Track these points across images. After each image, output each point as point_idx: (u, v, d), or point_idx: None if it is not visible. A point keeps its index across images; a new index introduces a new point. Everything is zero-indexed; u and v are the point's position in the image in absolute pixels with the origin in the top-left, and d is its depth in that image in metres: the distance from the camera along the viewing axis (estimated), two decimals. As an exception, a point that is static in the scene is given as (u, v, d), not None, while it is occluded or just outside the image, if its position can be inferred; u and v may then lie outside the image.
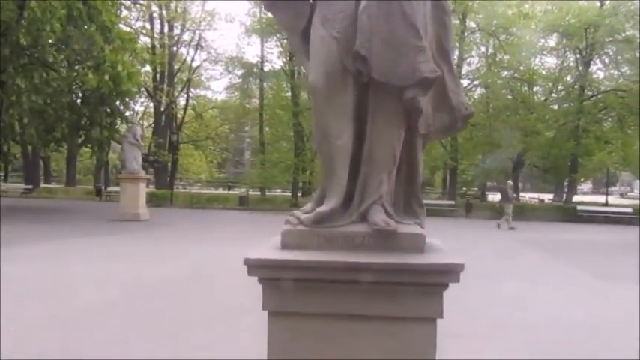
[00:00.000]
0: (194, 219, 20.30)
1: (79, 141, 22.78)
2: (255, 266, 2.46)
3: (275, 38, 31.29)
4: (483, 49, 30.29)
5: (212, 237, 14.47)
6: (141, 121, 27.47)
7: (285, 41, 30.01)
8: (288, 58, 29.53)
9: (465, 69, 29.84)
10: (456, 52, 29.44)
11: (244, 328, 5.35)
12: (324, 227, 2.74)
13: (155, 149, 29.77)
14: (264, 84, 32.67)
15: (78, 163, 43.19)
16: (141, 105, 34.95)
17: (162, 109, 31.13)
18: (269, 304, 2.50)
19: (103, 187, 33.54)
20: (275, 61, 32.60)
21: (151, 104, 34.12)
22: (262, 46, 31.72)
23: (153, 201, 23.88)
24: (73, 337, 5.05)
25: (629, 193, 67.68)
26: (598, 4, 28.21)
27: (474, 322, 5.84)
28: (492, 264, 10.18)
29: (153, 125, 33.37)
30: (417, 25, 2.84)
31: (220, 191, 44.31)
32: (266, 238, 2.98)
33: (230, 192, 41.02)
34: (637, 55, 26.18)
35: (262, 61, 31.82)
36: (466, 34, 28.30)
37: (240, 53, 31.96)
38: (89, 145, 23.14)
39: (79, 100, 22.27)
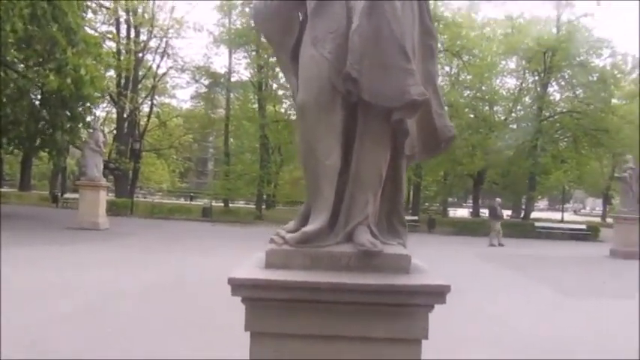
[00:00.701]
0: (155, 229, 19.84)
1: (37, 144, 21.97)
2: (239, 286, 2.41)
3: (243, 49, 31.20)
4: (447, 68, 31.04)
5: (174, 248, 14.16)
6: (102, 127, 26.72)
7: (253, 53, 29.98)
8: (256, 70, 29.45)
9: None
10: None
11: (209, 339, 5.24)
12: (309, 247, 2.72)
13: (116, 156, 29.01)
14: (231, 95, 32.47)
15: (33, 168, 41.61)
16: (103, 110, 34.12)
17: (125, 115, 30.43)
18: (252, 325, 2.45)
19: (59, 194, 32.37)
20: (242, 72, 32.50)
21: (114, 110, 33.32)
22: (230, 56, 31.56)
23: (112, 209, 23.19)
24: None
25: (582, 210, 70.59)
26: (555, 30, 29.43)
27: (438, 336, 5.89)
28: (456, 279, 10.32)
29: (115, 132, 32.53)
30: (406, 47, 2.87)
31: (182, 201, 43.51)
32: (248, 256, 2.94)
33: (193, 202, 40.35)
34: (590, 78, 27.54)
35: (230, 72, 31.67)
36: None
37: (207, 63, 31.67)
38: (47, 150, 22.34)
39: (37, 103, 21.53)
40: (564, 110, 29.15)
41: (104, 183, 19.06)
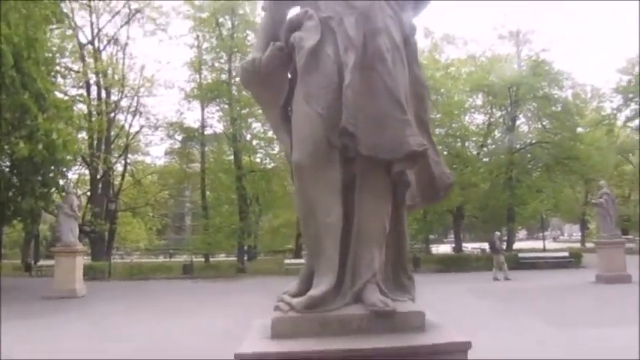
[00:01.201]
0: (136, 292, 19.18)
1: (8, 213, 21.31)
2: (248, 362, 2.25)
3: (215, 103, 31.46)
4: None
5: (156, 310, 13.64)
6: (75, 190, 26.20)
7: (226, 106, 30.21)
8: (229, 122, 29.59)
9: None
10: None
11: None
12: (317, 312, 2.58)
13: (91, 219, 28.32)
14: (206, 148, 32.41)
15: (4, 236, 40.26)
16: (75, 173, 33.53)
17: (98, 176, 29.95)
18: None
19: (32, 262, 31.25)
20: (216, 125, 32.60)
21: (87, 172, 32.82)
22: (203, 110, 31.70)
23: (89, 274, 22.42)
24: None
25: (560, 237, 71.64)
26: (517, 66, 30.62)
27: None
28: (448, 315, 10.13)
29: (89, 194, 31.90)
30: (400, 98, 2.87)
31: (162, 259, 42.46)
32: (252, 325, 2.77)
33: (172, 259, 39.44)
34: (555, 109, 28.56)
35: (203, 126, 31.68)
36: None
37: (180, 118, 31.68)
38: (19, 218, 21.67)
39: (7, 170, 21.03)
40: (534, 141, 29.98)
41: (80, 248, 18.50)
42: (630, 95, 34.98)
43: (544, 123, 29.53)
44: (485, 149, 33.02)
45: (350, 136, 2.76)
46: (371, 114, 2.78)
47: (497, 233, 22.99)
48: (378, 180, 2.89)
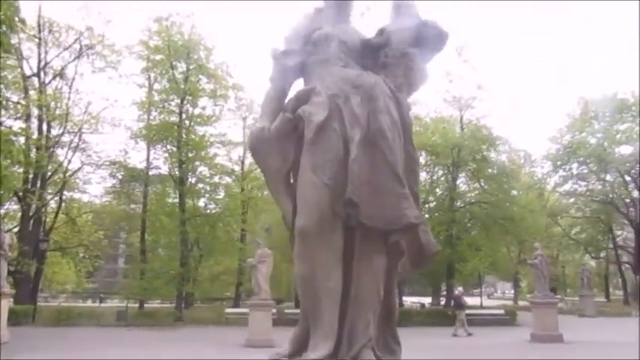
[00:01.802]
0: (64, 340, 17.93)
1: None
2: None
3: (162, 144, 31.02)
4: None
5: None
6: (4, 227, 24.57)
7: (173, 148, 29.82)
8: (177, 165, 29.15)
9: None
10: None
11: None
12: (316, 375, 2.63)
13: (18, 258, 26.51)
14: (149, 189, 31.60)
15: None
16: (3, 208, 31.51)
17: (31, 213, 28.32)
18: None
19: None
20: (161, 166, 31.98)
21: (15, 207, 30.99)
22: (149, 151, 31.11)
23: (12, 318, 20.74)
24: None
25: (494, 294, 74.19)
26: (458, 128, 32.39)
27: None
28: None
29: (18, 231, 29.99)
30: (399, 173, 3.12)
31: (90, 303, 40.14)
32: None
33: (103, 305, 37.34)
34: (492, 171, 30.30)
35: (148, 167, 31.00)
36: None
37: (124, 158, 30.87)
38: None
39: None
40: (473, 201, 31.42)
41: (7, 290, 17.25)
42: (559, 163, 37.78)
43: (482, 184, 31.13)
44: (427, 206, 34.17)
45: (354, 206, 2.96)
46: (373, 186, 3.00)
47: (460, 289, 23.65)
48: (376, 248, 3.08)
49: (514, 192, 32.60)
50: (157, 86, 31.27)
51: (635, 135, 34.53)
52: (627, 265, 41.51)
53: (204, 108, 31.86)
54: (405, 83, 3.51)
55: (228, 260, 34.11)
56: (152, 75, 30.86)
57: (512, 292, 49.80)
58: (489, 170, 29.99)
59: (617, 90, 35.71)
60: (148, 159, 31.09)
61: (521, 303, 41.14)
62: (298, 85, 3.79)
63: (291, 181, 3.42)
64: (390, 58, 3.53)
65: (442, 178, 33.76)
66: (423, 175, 35.92)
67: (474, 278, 37.18)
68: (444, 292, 34.85)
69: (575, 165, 37.71)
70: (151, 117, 30.76)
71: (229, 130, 33.87)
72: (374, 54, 3.58)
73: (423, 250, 3.27)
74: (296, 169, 3.30)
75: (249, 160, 36.89)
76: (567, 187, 39.47)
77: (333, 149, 3.11)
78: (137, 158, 31.75)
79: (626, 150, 36.32)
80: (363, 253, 3.07)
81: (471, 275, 33.46)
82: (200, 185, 31.88)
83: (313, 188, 3.02)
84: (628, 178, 37.35)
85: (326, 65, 3.52)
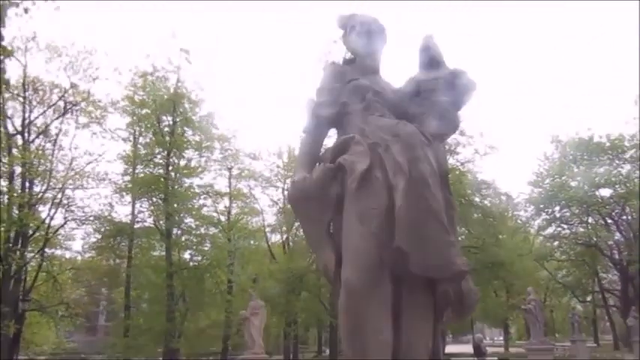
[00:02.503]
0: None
1: None
2: None
3: (147, 197, 30.77)
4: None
5: None
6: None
7: (161, 201, 29.55)
8: (163, 217, 28.81)
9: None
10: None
11: None
12: None
13: (-3, 320, 25.41)
14: (134, 243, 31.04)
15: None
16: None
17: (12, 273, 27.40)
18: None
19: None
20: (147, 219, 31.58)
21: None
22: (134, 205, 30.78)
23: (-11, 385, 19.70)
24: None
25: (483, 340, 72.87)
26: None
27: None
28: None
29: (-5, 291, 28.87)
30: (444, 220, 3.14)
31: (70, 364, 38.34)
32: None
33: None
34: (477, 216, 30.59)
35: (134, 220, 30.57)
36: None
37: (109, 212, 30.43)
38: None
39: None
40: (462, 246, 31.53)
41: (-12, 354, 16.43)
42: (541, 206, 38.36)
43: (470, 229, 31.33)
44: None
45: (403, 255, 2.96)
46: (419, 235, 3.01)
47: (479, 336, 23.16)
48: (424, 299, 3.08)
49: (501, 236, 32.85)
50: (142, 140, 31.36)
51: (614, 178, 35.51)
52: (614, 309, 41.57)
53: (190, 160, 31.98)
54: (438, 131, 3.59)
55: (215, 313, 33.25)
56: (137, 129, 30.99)
57: (502, 338, 49.22)
58: (475, 215, 30.28)
59: (593, 133, 36.85)
60: (133, 212, 30.73)
61: (512, 350, 40.61)
62: (332, 136, 3.87)
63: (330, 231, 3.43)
64: (423, 108, 3.63)
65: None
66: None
67: (466, 326, 36.76)
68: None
69: (557, 208, 38.30)
70: (137, 170, 30.63)
71: (215, 181, 33.62)
72: (406, 104, 3.69)
73: (465, 298, 3.28)
74: (337, 219, 3.31)
75: (235, 210, 36.77)
76: (551, 230, 39.92)
77: (378, 198, 3.13)
78: (122, 212, 31.38)
79: (605, 192, 37.18)
80: (410, 305, 3.05)
81: (462, 322, 33.12)
82: (186, 237, 31.47)
83: (361, 238, 3.01)
84: (610, 221, 38.02)
85: (363, 115, 3.61)
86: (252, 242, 37.19)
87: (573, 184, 37.22)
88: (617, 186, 35.92)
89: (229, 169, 35.73)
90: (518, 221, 39.51)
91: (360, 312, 2.93)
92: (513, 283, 31.24)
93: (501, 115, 72.49)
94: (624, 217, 37.83)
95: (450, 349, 36.90)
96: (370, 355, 2.86)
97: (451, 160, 32.73)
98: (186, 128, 31.36)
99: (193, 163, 32.31)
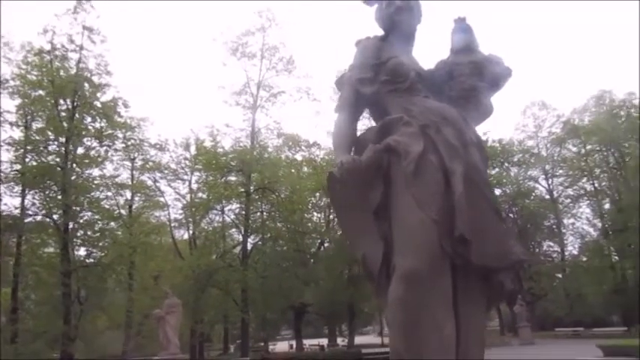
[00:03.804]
0: None
1: None
2: None
3: (39, 188, 27.98)
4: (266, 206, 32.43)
5: None
6: None
7: (55, 193, 27.00)
8: (61, 211, 26.36)
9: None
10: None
11: None
12: None
13: None
14: (23, 238, 28.03)
15: None
16: None
17: None
18: None
19: None
20: (39, 213, 28.61)
21: None
22: (24, 196, 27.80)
23: None
24: None
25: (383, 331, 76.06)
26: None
27: None
28: None
29: None
30: (497, 208, 3.04)
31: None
32: None
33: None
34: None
35: (23, 214, 27.59)
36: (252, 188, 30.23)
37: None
38: None
39: None
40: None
41: None
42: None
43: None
44: (325, 246, 34.65)
45: (465, 244, 2.82)
46: (478, 223, 2.89)
47: None
48: (478, 290, 2.97)
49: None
50: (35, 125, 28.39)
51: (504, 179, 38.78)
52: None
53: (89, 149, 29.57)
54: (475, 118, 3.49)
55: (114, 312, 31.17)
56: (30, 112, 28.00)
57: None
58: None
59: (488, 137, 39.80)
60: (23, 205, 27.73)
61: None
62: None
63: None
64: (459, 92, 3.47)
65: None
66: (319, 217, 36.53)
67: (375, 319, 38.01)
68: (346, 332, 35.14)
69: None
70: (28, 158, 27.69)
71: (116, 172, 31.44)
72: (439, 87, 3.54)
73: (503, 289, 3.21)
74: (385, 205, 3.06)
75: (138, 203, 34.79)
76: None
77: (435, 183, 2.93)
78: (11, 204, 28.12)
79: (497, 192, 40.37)
80: (466, 298, 2.92)
81: (372, 315, 34.29)
82: (83, 232, 29.09)
83: (422, 225, 2.79)
84: (499, 217, 41.35)
85: (408, 95, 3.38)
86: (155, 238, 35.38)
87: (469, 183, 39.83)
88: (507, 187, 39.16)
89: (132, 160, 33.62)
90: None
91: (420, 305, 2.72)
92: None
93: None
94: (511, 215, 41.36)
95: (358, 340, 38.00)
96: (431, 352, 2.69)
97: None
98: (86, 114, 28.87)
99: (93, 153, 29.87)
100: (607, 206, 38.28)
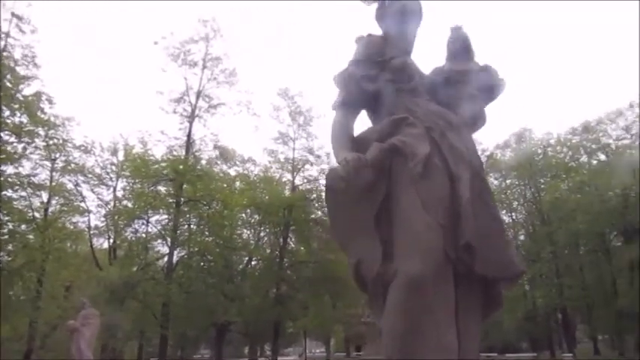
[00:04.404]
0: None
1: None
2: None
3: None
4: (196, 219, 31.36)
5: None
6: None
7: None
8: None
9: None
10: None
11: None
12: None
13: None
14: None
15: None
16: None
17: None
18: None
19: None
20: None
21: None
22: None
23: None
24: None
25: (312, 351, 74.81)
26: (288, 190, 33.51)
27: None
28: None
29: None
30: (499, 216, 3.00)
31: None
32: None
33: None
34: (321, 231, 31.70)
35: None
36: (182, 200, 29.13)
37: None
38: None
39: None
40: (303, 260, 32.22)
41: None
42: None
43: (313, 245, 32.25)
44: (254, 263, 33.92)
45: (470, 251, 2.77)
46: (483, 231, 2.85)
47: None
48: (476, 299, 2.92)
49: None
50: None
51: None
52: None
53: (5, 143, 27.35)
54: (469, 126, 3.47)
55: (17, 321, 28.65)
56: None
57: (324, 350, 51.29)
58: (320, 230, 31.31)
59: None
60: None
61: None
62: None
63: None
64: (456, 100, 3.44)
65: (273, 236, 34.07)
66: (249, 234, 35.82)
67: (300, 338, 37.49)
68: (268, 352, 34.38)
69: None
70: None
71: (34, 172, 29.25)
72: (435, 93, 3.49)
73: (500, 298, 3.18)
74: (387, 207, 2.91)
75: (54, 207, 32.62)
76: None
77: (440, 187, 2.86)
78: None
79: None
80: (465, 306, 2.85)
81: (298, 334, 33.81)
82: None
83: (428, 229, 2.68)
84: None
85: (411, 96, 3.30)
86: (71, 245, 33.17)
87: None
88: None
89: (53, 161, 31.53)
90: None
91: (422, 312, 2.60)
92: (345, 297, 32.59)
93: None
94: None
95: None
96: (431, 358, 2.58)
97: (298, 178, 33.66)
98: (5, 107, 26.76)
99: (10, 149, 27.66)
100: (522, 237, 40.59)
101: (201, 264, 29.91)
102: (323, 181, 32.76)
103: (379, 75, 3.36)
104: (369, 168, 2.91)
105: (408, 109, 3.21)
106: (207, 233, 30.66)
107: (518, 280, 3.02)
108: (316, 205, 31.31)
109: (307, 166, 32.21)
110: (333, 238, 3.41)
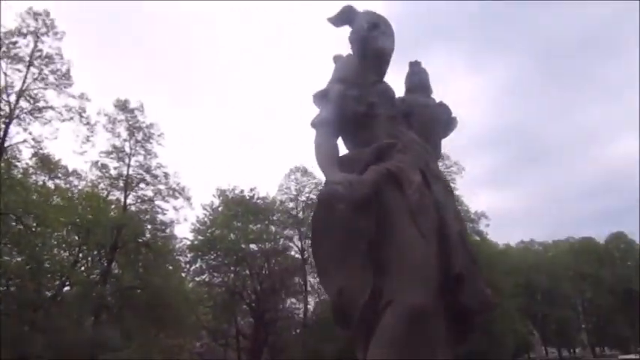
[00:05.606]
0: None
1: None
2: None
3: None
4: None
5: None
6: None
7: None
8: None
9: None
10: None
11: None
12: None
13: None
14: None
15: None
16: None
17: None
18: None
19: None
20: None
21: None
22: None
23: None
24: None
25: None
26: (121, 209, 30.82)
27: None
28: None
29: None
30: (472, 249, 3.10)
31: None
32: None
33: None
34: (150, 255, 29.62)
35: None
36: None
37: None
38: None
39: None
40: (130, 286, 29.52)
41: None
42: (199, 253, 40.25)
43: (141, 269, 29.87)
44: (67, 288, 30.07)
45: (461, 282, 2.84)
46: (465, 265, 2.99)
47: None
48: (452, 331, 2.95)
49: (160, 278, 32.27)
50: None
51: (265, 235, 40.72)
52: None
53: None
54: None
55: None
56: None
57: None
58: (149, 255, 29.25)
59: (254, 193, 41.77)
60: None
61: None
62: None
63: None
64: (419, 131, 3.47)
65: (96, 258, 30.69)
66: (66, 255, 31.82)
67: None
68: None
69: (213, 257, 40.75)
70: None
71: None
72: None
73: (472, 331, 3.14)
74: (381, 234, 2.76)
75: None
76: (204, 277, 41.89)
77: (433, 217, 2.86)
78: None
79: (254, 247, 42.00)
80: (446, 339, 2.88)
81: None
82: None
83: (427, 260, 2.65)
84: (253, 272, 42.57)
85: (393, 123, 3.30)
86: None
87: (232, 236, 40.45)
88: (266, 243, 41.02)
89: None
90: (177, 265, 39.85)
91: (421, 344, 2.50)
92: (172, 326, 30.68)
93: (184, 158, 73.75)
94: (264, 272, 43.00)
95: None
96: None
97: (130, 199, 31.07)
98: None
99: None
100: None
101: (7, 287, 25.57)
102: (158, 202, 31.18)
103: (363, 97, 3.31)
104: (371, 190, 2.82)
105: (393, 135, 3.20)
106: (14, 253, 26.43)
107: (489, 313, 3.19)
108: (149, 227, 29.29)
109: (142, 185, 30.07)
110: (314, 259, 3.16)
